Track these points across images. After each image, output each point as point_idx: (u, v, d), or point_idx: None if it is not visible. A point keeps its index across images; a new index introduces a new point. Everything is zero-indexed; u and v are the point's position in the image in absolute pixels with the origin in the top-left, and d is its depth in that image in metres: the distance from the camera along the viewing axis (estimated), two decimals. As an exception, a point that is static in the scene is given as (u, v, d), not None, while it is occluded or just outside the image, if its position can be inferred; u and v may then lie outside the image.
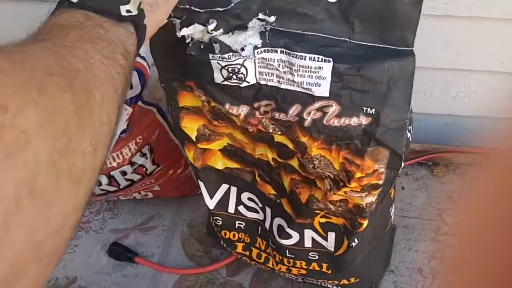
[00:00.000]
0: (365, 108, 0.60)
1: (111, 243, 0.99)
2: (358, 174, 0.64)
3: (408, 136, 0.67)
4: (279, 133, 0.67)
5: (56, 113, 0.32)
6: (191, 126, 0.73)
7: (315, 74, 0.58)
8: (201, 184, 0.81)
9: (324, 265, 0.82)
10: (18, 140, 0.29)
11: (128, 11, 0.44)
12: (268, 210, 0.80)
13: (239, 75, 0.61)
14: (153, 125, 0.94)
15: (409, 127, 0.68)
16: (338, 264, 0.81)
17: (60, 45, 0.37)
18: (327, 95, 0.59)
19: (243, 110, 0.65)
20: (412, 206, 1.00)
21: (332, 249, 0.79)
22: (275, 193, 0.77)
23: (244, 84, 0.62)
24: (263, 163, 0.75)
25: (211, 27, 0.56)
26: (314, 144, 0.64)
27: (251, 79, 0.62)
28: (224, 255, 0.97)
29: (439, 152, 1.05)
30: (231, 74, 0.61)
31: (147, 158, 0.94)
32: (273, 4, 0.57)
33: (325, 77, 0.58)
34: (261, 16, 0.57)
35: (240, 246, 0.89)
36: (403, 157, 0.64)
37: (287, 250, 0.81)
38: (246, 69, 0.61)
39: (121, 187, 0.96)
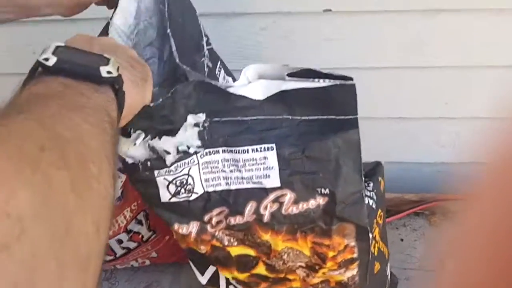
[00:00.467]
0: (319, 189, 0.59)
1: (109, 315, 0.97)
2: (331, 254, 0.63)
3: (371, 204, 0.67)
4: (235, 243, 0.65)
5: (53, 194, 0.29)
6: None
7: (262, 166, 0.58)
8: (191, 262, 0.77)
9: None
10: (13, 231, 0.25)
11: (108, 72, 0.42)
12: None
13: (188, 187, 0.60)
14: (147, 191, 0.93)
15: (371, 193, 0.68)
16: None
17: (45, 116, 0.34)
18: (279, 184, 0.59)
19: (194, 227, 0.63)
20: (413, 257, 0.99)
21: None
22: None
23: (193, 196, 0.60)
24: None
25: (135, 137, 0.54)
26: (278, 238, 0.63)
27: (199, 189, 0.60)
28: (225, 320, 0.94)
29: (434, 200, 1.05)
30: (179, 188, 0.60)
31: (142, 224, 0.93)
32: (204, 103, 0.57)
33: (272, 167, 0.58)
34: (190, 118, 0.56)
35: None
36: (369, 228, 0.63)
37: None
38: (193, 179, 0.59)
39: (117, 255, 0.95)
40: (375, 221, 0.70)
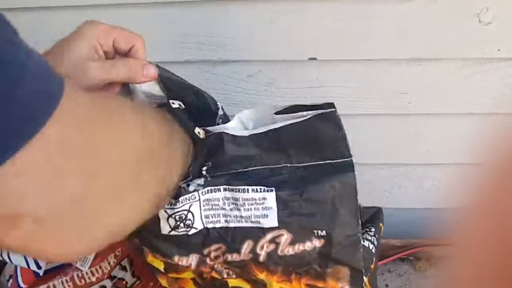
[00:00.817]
0: (316, 231, 0.60)
1: None
2: None
3: (371, 248, 0.67)
4: (234, 276, 0.65)
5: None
6: (157, 261, 0.69)
7: (261, 206, 0.59)
8: None
9: None
10: None
11: None
12: None
13: (187, 222, 0.61)
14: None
15: (372, 237, 0.69)
16: None
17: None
18: (276, 224, 0.59)
19: (193, 259, 0.63)
20: (399, 303, 0.99)
21: None
22: None
23: (192, 231, 0.61)
24: None
25: None
26: (273, 278, 0.63)
27: (198, 225, 0.61)
28: None
29: (419, 246, 1.05)
30: (178, 223, 0.61)
31: (127, 271, 0.92)
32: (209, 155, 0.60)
33: (270, 207, 0.59)
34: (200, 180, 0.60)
35: None
36: (363, 271, 0.62)
37: None
38: (193, 215, 0.60)
39: (100, 302, 0.93)
40: (372, 266, 0.71)
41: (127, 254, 0.92)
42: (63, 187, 0.37)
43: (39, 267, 0.90)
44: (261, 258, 0.61)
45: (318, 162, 0.60)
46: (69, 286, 0.91)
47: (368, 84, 0.93)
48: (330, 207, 0.59)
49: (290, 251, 0.60)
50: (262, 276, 0.63)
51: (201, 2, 0.86)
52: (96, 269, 0.90)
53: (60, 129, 0.35)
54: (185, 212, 0.60)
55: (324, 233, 0.60)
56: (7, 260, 0.94)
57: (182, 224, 0.61)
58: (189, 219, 0.60)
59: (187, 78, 0.93)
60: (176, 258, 0.63)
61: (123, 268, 0.91)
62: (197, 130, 0.61)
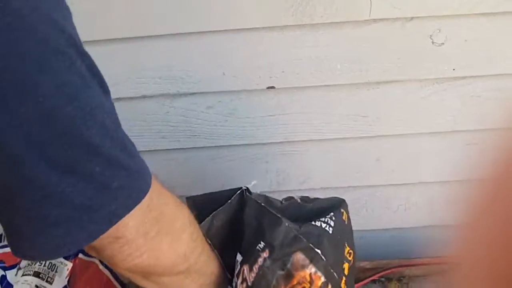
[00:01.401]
0: (257, 247, 0.70)
1: None
2: (306, 286, 0.67)
3: (327, 229, 0.72)
4: None
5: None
6: None
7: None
8: None
9: None
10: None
11: None
12: None
13: None
14: (97, 276, 0.90)
15: (327, 218, 0.74)
16: None
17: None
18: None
19: None
20: (372, 327, 0.98)
21: None
22: None
23: None
24: None
25: None
26: None
27: None
28: None
29: (389, 267, 1.05)
30: None
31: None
32: None
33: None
34: None
35: None
36: (313, 246, 0.69)
37: None
38: None
39: None
40: (343, 256, 0.76)
41: (92, 296, 0.89)
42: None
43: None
44: None
45: None
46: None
47: (328, 109, 0.92)
48: (255, 223, 0.72)
49: (253, 276, 0.69)
50: None
51: (156, 37, 0.85)
52: None
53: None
54: None
55: (262, 244, 0.69)
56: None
57: None
58: None
59: (146, 112, 0.92)
60: None
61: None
62: None
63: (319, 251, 0.69)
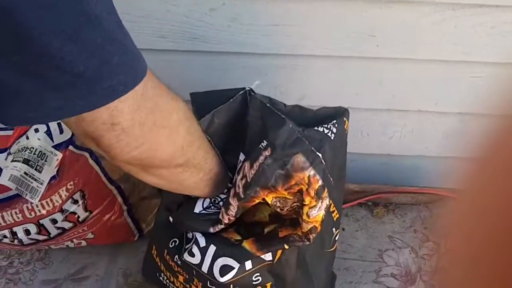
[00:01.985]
0: (260, 146, 0.69)
1: (41, 296, 0.94)
2: (303, 187, 0.68)
3: (329, 134, 0.73)
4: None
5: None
6: None
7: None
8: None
9: (268, 285, 0.80)
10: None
11: None
12: (211, 249, 0.77)
13: (217, 204, 0.77)
14: (86, 170, 0.90)
15: (329, 125, 0.75)
16: (280, 277, 0.80)
17: None
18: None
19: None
20: (353, 247, 1.00)
21: (271, 258, 0.78)
22: (239, 238, 0.78)
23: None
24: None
25: None
26: (262, 196, 0.71)
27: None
28: (161, 304, 0.93)
29: (378, 192, 1.05)
30: (210, 204, 0.78)
31: (79, 205, 0.90)
32: None
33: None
34: None
35: (181, 278, 0.85)
36: (314, 150, 0.69)
37: (231, 285, 0.79)
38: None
39: (51, 235, 0.92)
40: (341, 163, 0.79)
41: (79, 188, 0.89)
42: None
43: (-14, 198, 0.87)
44: (241, 195, 0.70)
45: None
46: (18, 218, 0.89)
47: (336, 24, 0.89)
48: (260, 122, 0.72)
49: (252, 172, 0.69)
50: (256, 202, 0.72)
51: None
52: (47, 202, 0.88)
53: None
54: (219, 198, 0.76)
55: (265, 142, 0.69)
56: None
57: (213, 206, 0.77)
58: (220, 202, 0.75)
59: (147, 9, 0.89)
60: (211, 229, 0.75)
61: (75, 202, 0.90)
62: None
63: (320, 155, 0.69)
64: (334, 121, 0.75)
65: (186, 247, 0.80)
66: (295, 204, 0.72)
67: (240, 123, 0.76)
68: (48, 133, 0.88)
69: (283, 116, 0.72)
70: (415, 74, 0.95)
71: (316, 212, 0.71)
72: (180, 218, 0.78)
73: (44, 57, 0.46)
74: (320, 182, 0.69)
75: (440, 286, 0.26)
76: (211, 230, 0.75)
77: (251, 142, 0.73)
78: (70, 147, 0.89)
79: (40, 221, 0.89)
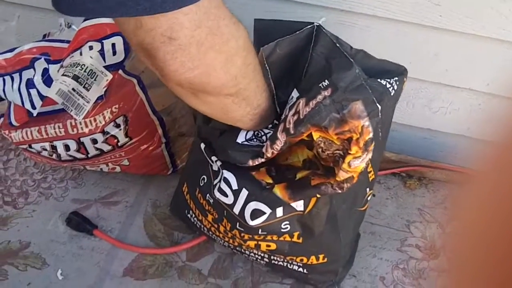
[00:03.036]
0: (320, 84, 0.68)
1: (70, 212, 0.95)
2: (355, 136, 0.68)
3: (386, 85, 0.73)
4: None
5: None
6: None
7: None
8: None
9: (296, 234, 0.81)
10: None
11: None
12: (244, 193, 0.78)
13: (261, 138, 0.77)
14: (132, 96, 0.91)
15: (389, 79, 0.75)
16: (309, 228, 0.80)
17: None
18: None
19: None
20: (381, 214, 1.00)
21: (302, 208, 0.78)
22: (271, 181, 0.77)
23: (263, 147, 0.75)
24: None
25: None
26: (310, 132, 0.70)
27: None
28: (185, 239, 0.94)
29: (414, 165, 1.05)
30: (253, 137, 0.77)
31: (120, 129, 0.91)
32: None
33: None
34: None
35: (210, 217, 0.86)
36: (375, 100, 0.68)
37: (259, 229, 0.79)
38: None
39: (89, 155, 0.93)
40: (389, 122, 0.80)
41: (124, 112, 0.90)
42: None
43: (33, 107, 0.89)
44: (291, 130, 0.69)
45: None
46: (60, 132, 0.90)
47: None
48: (323, 62, 0.71)
49: (307, 110, 0.68)
50: (303, 137, 0.71)
51: None
52: (90, 121, 0.89)
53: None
54: (262, 132, 0.76)
55: (326, 82, 0.68)
56: (3, 96, 0.93)
57: (255, 139, 0.76)
58: (263, 136, 0.75)
59: None
60: (250, 162, 0.75)
61: (117, 126, 0.90)
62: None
63: (379, 107, 0.68)
64: (396, 78, 0.75)
65: (215, 183, 0.81)
66: (337, 151, 0.72)
67: (300, 58, 0.74)
68: (101, 52, 0.88)
69: (351, 59, 0.70)
70: (472, 51, 0.94)
71: (358, 163, 0.71)
72: (222, 145, 0.78)
73: None
74: (371, 135, 0.68)
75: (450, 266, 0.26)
76: (250, 162, 0.75)
77: (310, 79, 0.71)
78: (120, 71, 0.89)
79: (81, 139, 0.90)
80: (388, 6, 0.90)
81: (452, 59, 0.95)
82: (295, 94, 0.72)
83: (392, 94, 0.73)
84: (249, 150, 0.76)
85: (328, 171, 0.75)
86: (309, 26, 0.74)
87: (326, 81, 0.68)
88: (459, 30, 0.91)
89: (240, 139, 0.77)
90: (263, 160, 0.74)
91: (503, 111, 0.25)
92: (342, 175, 0.72)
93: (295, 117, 0.69)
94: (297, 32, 0.74)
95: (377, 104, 0.68)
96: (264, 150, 0.73)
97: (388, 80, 0.73)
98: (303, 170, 0.79)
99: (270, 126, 0.77)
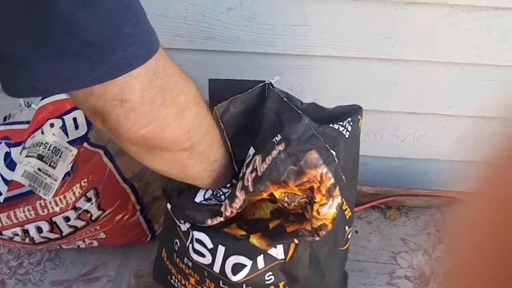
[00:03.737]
0: (274, 140, 0.69)
1: (51, 296, 0.92)
2: (315, 185, 0.68)
3: (344, 132, 0.73)
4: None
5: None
6: None
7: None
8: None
9: (281, 284, 0.79)
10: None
11: None
12: (220, 249, 0.76)
13: (219, 197, 0.76)
14: (100, 168, 0.89)
15: (344, 123, 0.75)
16: (293, 275, 0.79)
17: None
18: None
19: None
20: (366, 249, 0.99)
21: (283, 256, 0.77)
22: (245, 233, 0.76)
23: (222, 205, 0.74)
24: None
25: None
26: (271, 191, 0.70)
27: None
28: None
29: (391, 195, 1.05)
30: (211, 196, 0.76)
31: (92, 202, 0.89)
32: None
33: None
34: None
35: (193, 280, 0.84)
36: (328, 147, 0.69)
37: (243, 284, 0.77)
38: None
39: (63, 234, 0.90)
40: (354, 162, 0.79)
41: (93, 185, 0.88)
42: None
43: (-1, 193, 0.86)
44: (250, 188, 0.69)
45: None
46: (31, 215, 0.88)
47: (352, 25, 0.90)
48: (274, 117, 0.72)
49: (264, 167, 0.69)
50: (264, 195, 0.71)
51: None
52: (60, 199, 0.87)
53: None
54: (220, 192, 0.75)
55: (279, 137, 0.69)
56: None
57: (214, 199, 0.75)
58: (222, 196, 0.75)
59: (165, 7, 0.89)
60: (209, 221, 0.74)
61: (88, 200, 0.89)
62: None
63: (333, 153, 0.69)
64: (349, 118, 0.75)
65: (187, 244, 0.79)
66: (303, 200, 0.72)
67: (254, 115, 0.75)
68: (64, 128, 0.87)
69: (299, 111, 0.71)
70: (429, 77, 0.96)
71: (326, 210, 0.71)
72: (179, 205, 0.77)
73: (53, 22, 0.45)
74: (332, 180, 0.69)
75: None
76: (209, 222, 0.74)
77: (264, 135, 0.72)
78: (85, 144, 0.88)
79: (53, 219, 0.88)
80: (341, 46, 0.92)
81: (411, 87, 0.97)
82: (251, 151, 0.73)
83: (347, 136, 0.73)
84: (207, 209, 0.75)
85: (300, 217, 0.75)
86: (260, 84, 0.75)
87: (279, 135, 0.69)
88: (413, 59, 0.93)
89: (199, 198, 0.76)
90: (222, 219, 0.74)
91: (496, 131, 0.25)
92: (314, 223, 0.71)
93: (253, 175, 0.69)
94: (249, 90, 0.75)
95: (331, 151, 0.68)
96: (222, 209, 0.73)
97: (341, 123, 0.73)
98: (274, 220, 0.78)
99: (229, 185, 0.77)
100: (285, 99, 0.73)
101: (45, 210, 0.87)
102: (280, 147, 0.68)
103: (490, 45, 0.91)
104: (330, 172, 0.68)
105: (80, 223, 0.90)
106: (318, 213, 0.71)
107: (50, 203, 0.87)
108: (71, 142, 0.87)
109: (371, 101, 0.99)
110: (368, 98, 0.99)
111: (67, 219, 0.89)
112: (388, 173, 1.08)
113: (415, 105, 0.99)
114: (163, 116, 0.57)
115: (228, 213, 0.72)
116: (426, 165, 1.07)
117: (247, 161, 0.72)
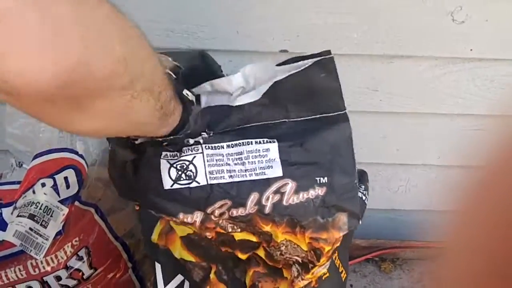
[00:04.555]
0: (317, 179, 0.62)
1: None
2: (327, 248, 0.64)
3: (364, 198, 0.73)
4: (239, 230, 0.66)
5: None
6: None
7: (264, 158, 0.60)
8: (158, 268, 0.75)
9: None
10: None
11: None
12: None
13: (188, 173, 0.61)
14: (91, 226, 0.89)
15: (361, 188, 0.74)
16: None
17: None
18: (281, 174, 0.61)
19: (198, 216, 0.64)
20: (362, 304, 0.98)
21: None
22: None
23: (194, 184, 0.61)
24: (229, 258, 0.71)
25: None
26: (279, 230, 0.64)
27: (202, 180, 0.61)
28: None
29: (385, 248, 1.04)
30: (180, 173, 0.62)
31: (84, 261, 0.89)
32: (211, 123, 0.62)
33: (274, 158, 0.60)
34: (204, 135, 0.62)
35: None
36: (360, 216, 0.66)
37: None
38: (196, 167, 0.61)
39: (55, 294, 0.89)
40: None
41: (85, 244, 0.88)
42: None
43: (-10, 254, 0.86)
44: (267, 210, 0.62)
45: (314, 116, 0.63)
46: (22, 275, 0.87)
47: (340, 79, 0.91)
48: (329, 155, 0.63)
49: (295, 200, 0.62)
50: (267, 228, 0.64)
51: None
52: (52, 258, 0.86)
53: None
54: (187, 163, 0.61)
55: (326, 180, 0.62)
56: (-42, 246, 0.90)
57: (183, 175, 0.61)
58: (191, 170, 0.61)
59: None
60: (181, 216, 0.63)
61: (80, 259, 0.88)
62: (185, 92, 0.59)
63: (360, 222, 0.67)
64: (363, 186, 0.77)
65: None
66: (300, 257, 0.67)
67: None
68: (55, 187, 0.87)
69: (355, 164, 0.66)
70: (417, 128, 0.97)
71: (321, 270, 0.69)
72: (150, 200, 0.64)
73: None
74: (338, 244, 0.66)
75: None
76: (181, 216, 0.63)
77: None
78: (76, 203, 0.88)
79: (44, 278, 0.87)
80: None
81: (400, 138, 0.98)
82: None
83: (365, 205, 0.74)
84: (184, 196, 0.62)
85: (275, 273, 0.70)
86: None
87: (326, 178, 0.62)
88: (401, 111, 0.94)
89: (167, 183, 0.62)
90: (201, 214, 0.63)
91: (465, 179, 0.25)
92: (299, 284, 0.68)
93: (277, 198, 0.61)
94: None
95: (360, 221, 0.66)
96: (223, 203, 0.62)
97: (362, 192, 0.74)
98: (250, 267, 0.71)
99: (182, 135, 0.61)
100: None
101: (36, 269, 0.87)
102: (320, 192, 0.62)
103: (477, 95, 0.93)
104: (342, 236, 0.65)
105: (71, 282, 0.89)
106: (313, 273, 0.68)
107: (42, 262, 0.86)
108: (62, 201, 0.87)
109: (361, 154, 0.99)
110: (359, 150, 0.99)
111: (58, 278, 0.88)
112: (382, 225, 1.08)
113: (405, 156, 1.00)
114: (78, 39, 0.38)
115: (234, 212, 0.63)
116: (419, 216, 1.07)
117: (277, 184, 0.62)
